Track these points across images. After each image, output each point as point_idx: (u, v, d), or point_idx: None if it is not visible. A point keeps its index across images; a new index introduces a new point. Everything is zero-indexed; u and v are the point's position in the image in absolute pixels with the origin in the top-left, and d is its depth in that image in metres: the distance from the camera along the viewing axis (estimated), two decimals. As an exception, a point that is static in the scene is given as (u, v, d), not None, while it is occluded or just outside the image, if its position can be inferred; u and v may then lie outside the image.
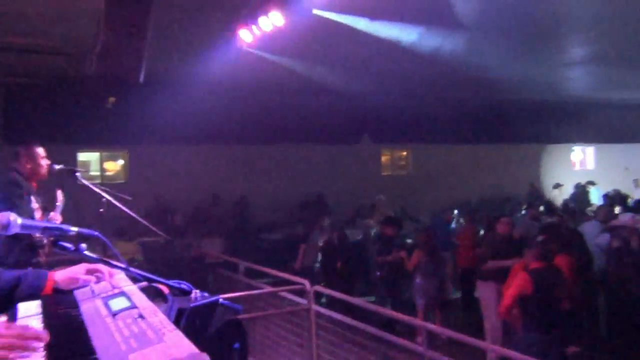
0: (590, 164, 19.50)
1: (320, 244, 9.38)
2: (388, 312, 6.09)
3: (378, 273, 8.86)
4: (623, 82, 14.09)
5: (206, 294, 1.62)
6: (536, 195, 15.38)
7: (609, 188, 15.59)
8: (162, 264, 7.96)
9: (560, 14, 8.11)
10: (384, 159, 16.16)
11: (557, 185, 15.78)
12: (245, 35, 7.27)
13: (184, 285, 1.64)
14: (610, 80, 13.90)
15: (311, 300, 5.62)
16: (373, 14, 7.51)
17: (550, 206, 11.65)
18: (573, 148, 19.37)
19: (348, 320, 5.32)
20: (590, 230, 8.24)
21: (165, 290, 1.66)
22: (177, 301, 1.56)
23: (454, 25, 8.17)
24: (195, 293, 1.61)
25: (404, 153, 16.33)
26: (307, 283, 5.68)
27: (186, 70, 9.74)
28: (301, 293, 5.77)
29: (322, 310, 5.68)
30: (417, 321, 5.56)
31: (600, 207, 10.18)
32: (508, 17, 7.87)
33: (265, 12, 6.64)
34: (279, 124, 13.10)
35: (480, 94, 15.17)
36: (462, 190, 14.95)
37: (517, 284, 5.38)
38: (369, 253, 9.76)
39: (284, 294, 6.09)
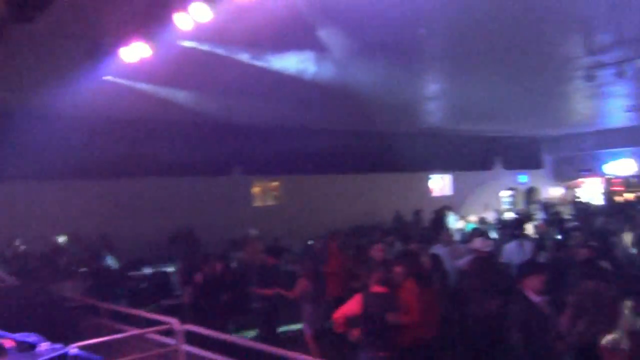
0: (448, 190, 21.01)
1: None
2: (264, 346, 5.95)
3: (256, 305, 8.72)
4: (472, 114, 15.49)
5: (58, 346, 1.45)
6: (401, 222, 16.19)
7: (464, 212, 16.93)
8: (9, 313, 7.15)
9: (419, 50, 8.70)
10: (255, 189, 16.14)
11: (417, 212, 16.72)
12: (110, 64, 6.97)
13: (31, 337, 1.45)
14: (462, 112, 15.17)
15: (180, 339, 5.35)
16: (244, 43, 7.52)
17: (406, 233, 12.21)
18: (431, 176, 20.80)
19: (222, 358, 5.13)
20: (441, 253, 8.72)
21: (8, 343, 1.45)
22: (20, 357, 1.37)
23: (324, 55, 8.43)
24: (44, 345, 1.42)
25: (275, 184, 16.44)
26: (175, 322, 5.41)
27: (42, 102, 9.10)
28: (169, 333, 5.48)
29: (193, 349, 5.42)
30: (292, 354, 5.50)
31: (444, 231, 10.63)
32: (375, 49, 8.28)
33: (128, 43, 6.44)
34: (145, 156, 12.60)
35: (349, 125, 15.87)
36: (333, 219, 15.26)
37: (350, 303, 5.73)
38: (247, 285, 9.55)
39: (151, 335, 5.74)
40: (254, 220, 13.81)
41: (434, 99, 13.15)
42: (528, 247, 8.85)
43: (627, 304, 4.27)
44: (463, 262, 8.07)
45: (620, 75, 9.31)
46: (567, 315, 5.31)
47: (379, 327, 5.63)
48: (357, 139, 16.45)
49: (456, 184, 20.92)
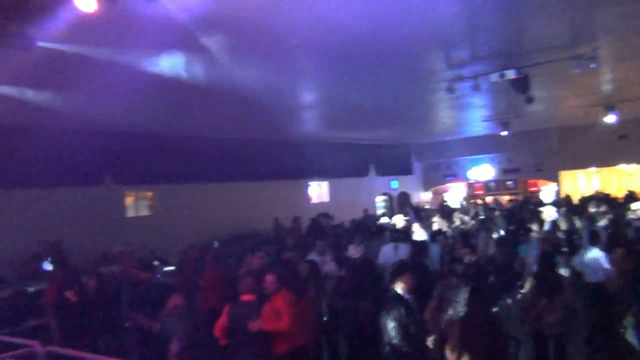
0: (325, 197, 21.54)
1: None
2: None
3: (127, 324, 8.33)
4: (348, 123, 16.05)
5: None
6: (280, 229, 16.32)
7: (342, 218, 17.42)
8: None
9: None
10: (128, 200, 15.44)
11: (296, 219, 16.95)
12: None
13: None
14: (338, 121, 15.62)
15: (42, 363, 4.98)
16: (115, 44, 7.17)
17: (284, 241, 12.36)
18: (310, 183, 21.21)
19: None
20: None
21: None
22: None
23: (201, 60, 8.30)
24: None
25: (150, 193, 15.83)
26: (36, 344, 5.03)
27: None
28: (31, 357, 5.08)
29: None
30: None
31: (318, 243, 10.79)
32: (252, 56, 8.29)
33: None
34: (6, 166, 11.56)
35: (227, 133, 15.74)
36: (211, 228, 15.05)
37: (223, 314, 5.76)
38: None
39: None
40: (127, 232, 13.21)
41: (311, 107, 13.45)
42: (403, 249, 9.25)
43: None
44: (330, 268, 8.30)
45: (476, 88, 10.12)
46: (431, 306, 5.70)
47: (243, 336, 5.64)
48: (235, 146, 16.36)
49: (333, 190, 21.50)
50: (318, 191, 21.59)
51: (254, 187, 17.52)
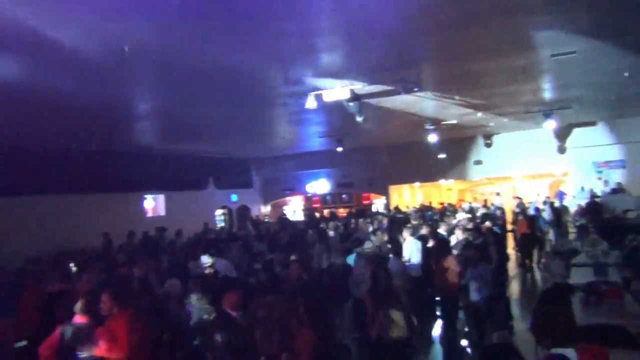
0: (162, 211, 20.76)
1: None
2: None
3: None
4: (185, 135, 15.67)
5: None
6: (110, 245, 15.38)
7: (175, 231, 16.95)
8: None
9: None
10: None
11: (130, 234, 16.12)
12: None
13: None
14: (175, 133, 15.23)
15: None
16: None
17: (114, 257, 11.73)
18: (145, 196, 20.30)
19: None
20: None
21: None
22: None
23: (27, 66, 7.62)
24: None
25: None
26: None
27: None
28: None
29: None
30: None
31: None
32: (83, 63, 7.75)
33: None
34: None
35: (54, 142, 14.50)
36: (34, 245, 13.60)
37: (53, 336, 5.34)
38: None
39: None
40: None
41: (145, 118, 12.93)
42: (221, 265, 9.16)
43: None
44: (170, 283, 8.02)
45: (310, 105, 10.49)
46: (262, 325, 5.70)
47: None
48: (65, 157, 15.12)
49: (170, 204, 20.79)
50: (152, 204, 20.71)
51: (85, 199, 16.31)
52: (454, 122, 16.46)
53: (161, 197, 20.74)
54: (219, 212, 24.53)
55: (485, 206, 20.70)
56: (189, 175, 21.20)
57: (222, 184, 23.64)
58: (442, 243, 9.29)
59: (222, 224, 23.63)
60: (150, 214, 20.35)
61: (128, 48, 7.02)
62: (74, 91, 9.32)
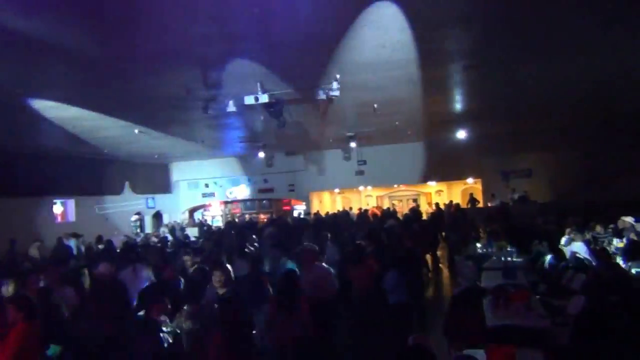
0: (72, 216, 19.75)
1: None
2: None
3: None
4: (97, 138, 15.01)
5: None
6: (14, 253, 14.44)
7: (90, 237, 16.19)
8: None
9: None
10: None
11: (39, 241, 15.25)
12: None
13: None
14: (80, 135, 14.51)
15: None
16: None
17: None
18: (55, 201, 19.25)
19: None
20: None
21: None
22: None
23: None
24: None
25: None
26: None
27: None
28: None
29: None
30: None
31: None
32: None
33: None
34: None
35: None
36: None
37: None
38: None
39: None
40: None
41: (56, 119, 12.24)
42: (141, 272, 8.80)
43: None
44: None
45: (230, 109, 10.35)
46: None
47: None
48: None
49: (81, 209, 19.82)
50: (62, 210, 19.64)
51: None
52: (372, 129, 16.80)
53: (71, 202, 19.73)
54: (134, 217, 23.69)
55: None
56: (104, 179, 20.25)
57: (139, 188, 22.83)
58: (358, 248, 9.38)
59: (137, 230, 22.81)
60: (59, 220, 19.30)
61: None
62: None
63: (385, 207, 25.65)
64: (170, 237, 17.71)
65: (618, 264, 8.52)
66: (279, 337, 6.11)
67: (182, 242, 15.09)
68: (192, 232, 19.93)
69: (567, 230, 11.47)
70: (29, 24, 6.29)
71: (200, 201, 26.82)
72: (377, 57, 8.74)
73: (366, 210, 21.97)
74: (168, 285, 7.75)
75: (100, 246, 15.00)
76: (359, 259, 8.68)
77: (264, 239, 13.47)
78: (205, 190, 26.33)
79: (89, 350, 6.44)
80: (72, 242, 15.98)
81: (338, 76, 9.39)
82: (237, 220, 23.75)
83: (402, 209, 27.41)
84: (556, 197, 20.14)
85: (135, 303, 7.24)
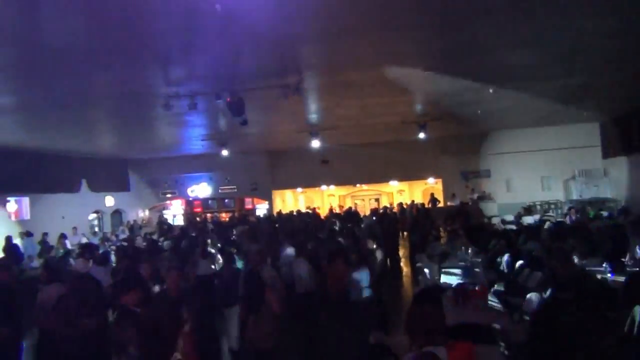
0: (26, 214, 19.14)
1: None
2: None
3: None
4: (52, 132, 14.59)
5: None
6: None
7: (52, 237, 15.77)
8: None
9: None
10: None
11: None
12: None
13: None
14: (39, 129, 14.09)
15: None
16: None
17: None
18: (9, 199, 18.61)
19: None
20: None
21: None
22: None
23: None
24: None
25: None
26: None
27: None
28: None
29: None
30: None
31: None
32: None
33: None
34: None
35: None
36: None
37: None
38: None
39: None
40: None
41: (6, 112, 11.82)
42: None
43: None
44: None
45: (192, 107, 10.22)
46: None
47: None
48: None
49: (37, 207, 19.21)
50: (16, 208, 18.99)
51: None
52: (334, 128, 16.85)
53: (26, 200, 19.11)
54: (92, 216, 23.13)
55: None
56: (59, 176, 19.64)
57: (96, 186, 22.26)
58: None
59: (96, 229, 22.24)
60: (13, 218, 18.67)
61: None
62: None
63: (346, 207, 25.78)
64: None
65: (573, 262, 8.77)
66: (251, 337, 6.12)
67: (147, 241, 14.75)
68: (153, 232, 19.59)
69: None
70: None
71: (160, 200, 26.39)
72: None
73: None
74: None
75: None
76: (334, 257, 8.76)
77: (238, 237, 13.56)
78: (165, 188, 25.92)
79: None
80: (26, 241, 15.52)
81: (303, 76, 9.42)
82: (197, 219, 23.48)
83: (365, 208, 27.62)
84: (515, 197, 20.69)
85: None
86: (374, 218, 18.35)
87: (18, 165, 17.04)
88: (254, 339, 6.14)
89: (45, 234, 16.66)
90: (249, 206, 26.91)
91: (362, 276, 8.31)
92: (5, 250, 14.32)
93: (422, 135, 17.12)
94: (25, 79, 9.14)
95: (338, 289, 8.43)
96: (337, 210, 24.72)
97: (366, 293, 8.23)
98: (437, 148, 21.47)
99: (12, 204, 18.79)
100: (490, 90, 12.10)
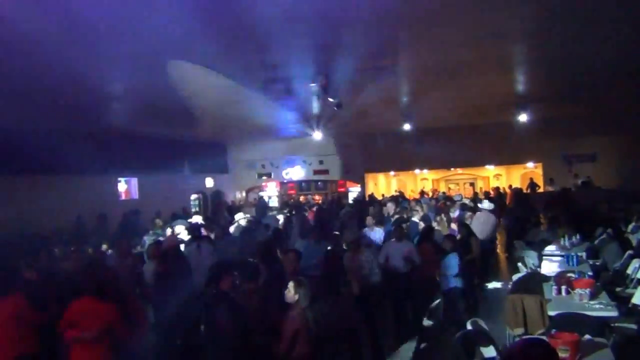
0: (135, 194, 20.49)
1: None
2: None
3: None
4: (157, 117, 15.44)
5: None
6: (83, 228, 15.16)
7: (152, 215, 16.75)
8: None
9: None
10: None
11: (101, 216, 15.88)
12: None
13: None
14: (146, 115, 14.95)
15: None
16: None
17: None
18: (120, 179, 20.00)
19: None
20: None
21: None
22: None
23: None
24: None
25: None
26: None
27: None
28: None
29: None
30: None
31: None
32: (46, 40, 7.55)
33: None
34: None
35: (20, 123, 14.11)
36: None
37: None
38: None
39: None
40: None
41: (117, 98, 12.65)
42: (205, 250, 9.05)
43: None
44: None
45: (287, 91, 10.44)
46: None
47: None
48: (36, 138, 14.66)
49: (144, 187, 20.51)
50: (125, 187, 20.39)
51: (55, 181, 15.98)
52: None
53: (134, 181, 20.46)
54: (193, 196, 24.34)
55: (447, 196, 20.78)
56: (164, 158, 20.81)
57: (197, 168, 23.37)
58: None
59: (197, 209, 23.40)
60: (123, 197, 20.07)
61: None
62: (41, 70, 9.04)
63: (441, 191, 25.33)
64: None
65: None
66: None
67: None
68: (251, 212, 20.25)
69: (634, 217, 11.05)
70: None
71: (256, 182, 27.23)
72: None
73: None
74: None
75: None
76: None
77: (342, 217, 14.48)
78: (261, 170, 26.72)
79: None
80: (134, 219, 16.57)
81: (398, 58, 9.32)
82: (292, 201, 23.95)
83: (460, 192, 26.97)
84: (622, 183, 19.30)
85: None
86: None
87: (129, 147, 18.26)
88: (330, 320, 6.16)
89: (158, 213, 17.61)
90: (341, 189, 27.14)
91: (452, 261, 8.24)
92: (122, 226, 15.32)
93: (523, 117, 16.39)
94: (136, 69, 9.73)
95: (428, 272, 8.39)
96: (430, 195, 24.31)
97: (455, 283, 8.16)
98: (538, 130, 20.29)
99: (122, 184, 20.19)
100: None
